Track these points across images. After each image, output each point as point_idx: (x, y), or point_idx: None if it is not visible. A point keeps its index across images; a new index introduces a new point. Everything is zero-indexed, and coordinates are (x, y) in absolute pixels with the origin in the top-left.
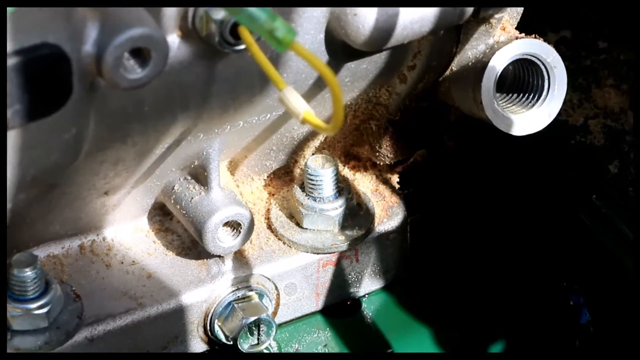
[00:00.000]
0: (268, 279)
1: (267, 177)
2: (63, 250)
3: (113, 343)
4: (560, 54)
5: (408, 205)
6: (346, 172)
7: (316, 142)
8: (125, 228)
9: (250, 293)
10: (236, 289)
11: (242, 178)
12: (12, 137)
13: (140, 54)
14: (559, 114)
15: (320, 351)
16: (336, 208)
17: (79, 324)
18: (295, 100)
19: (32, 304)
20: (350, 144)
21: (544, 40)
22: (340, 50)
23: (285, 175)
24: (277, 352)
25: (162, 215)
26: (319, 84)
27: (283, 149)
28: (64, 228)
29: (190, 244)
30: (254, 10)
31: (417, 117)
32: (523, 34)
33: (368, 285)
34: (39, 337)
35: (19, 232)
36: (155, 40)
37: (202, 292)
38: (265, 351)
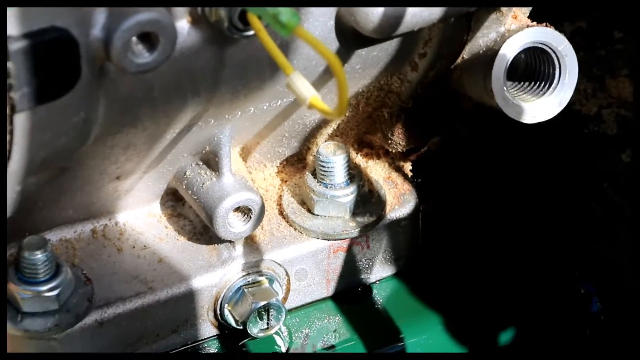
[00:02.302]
0: (279, 264)
1: (280, 164)
2: (75, 234)
3: (123, 326)
4: (575, 44)
5: (420, 194)
6: (359, 159)
7: (329, 130)
8: (138, 213)
9: (261, 278)
10: (246, 274)
11: (254, 165)
12: (21, 120)
13: (148, 38)
14: (573, 103)
15: (330, 336)
16: (347, 195)
17: (89, 306)
18: (303, 86)
19: (42, 286)
20: (363, 132)
21: (560, 31)
22: (351, 37)
23: (298, 163)
24: (287, 337)
25: (174, 200)
26: (329, 71)
27: (295, 136)
28: (76, 212)
29: (202, 230)
30: None
31: (429, 105)
32: (535, 23)
33: (379, 272)
34: (48, 319)
35: (31, 215)
36: (163, 25)
37: (213, 276)
38: (275, 336)
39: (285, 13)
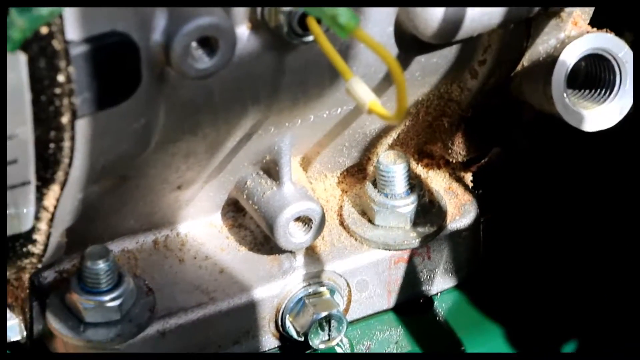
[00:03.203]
0: (340, 275)
1: (340, 174)
2: (137, 245)
3: (184, 337)
4: (637, 53)
5: (481, 205)
6: (419, 170)
7: (389, 139)
8: (199, 223)
9: (322, 289)
10: (307, 285)
11: (315, 175)
12: (82, 126)
13: (208, 43)
14: (636, 112)
15: (392, 348)
16: (408, 204)
17: (150, 317)
18: (362, 90)
19: (104, 296)
20: (423, 142)
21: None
22: (410, 43)
23: (359, 173)
24: (349, 349)
25: (235, 211)
26: (389, 78)
27: (355, 146)
28: (138, 223)
29: (263, 240)
30: None
31: (489, 114)
32: (595, 29)
33: (440, 283)
34: (111, 329)
35: (94, 225)
36: (223, 29)
37: (274, 287)
38: (337, 347)
39: (344, 14)
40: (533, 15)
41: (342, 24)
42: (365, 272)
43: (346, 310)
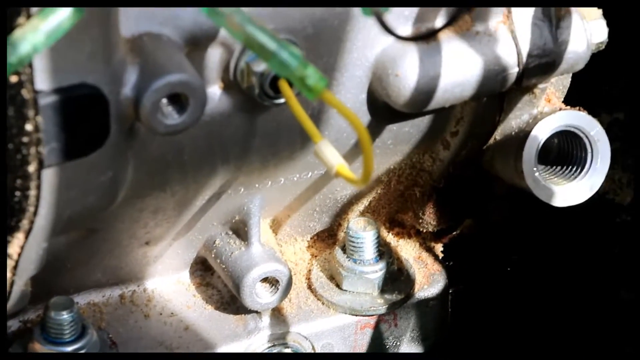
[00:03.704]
0: (305, 337)
1: (311, 238)
2: (103, 298)
3: None
4: (612, 135)
5: (451, 275)
6: (390, 238)
7: (360, 206)
8: (167, 280)
9: (286, 350)
10: (272, 346)
11: (285, 238)
12: (49, 175)
13: (178, 100)
14: (607, 192)
15: None
16: (376, 271)
17: None
18: (330, 154)
19: (67, 347)
20: (394, 210)
21: (598, 121)
22: (383, 111)
23: (329, 239)
24: None
25: (203, 270)
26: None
27: (326, 211)
28: (105, 276)
29: (229, 299)
30: (285, 56)
31: (461, 186)
32: (568, 107)
33: (406, 350)
34: None
35: (60, 277)
36: (193, 86)
37: (238, 346)
38: None
39: (312, 77)
40: (506, 90)
41: (310, 86)
42: (331, 335)
43: None
